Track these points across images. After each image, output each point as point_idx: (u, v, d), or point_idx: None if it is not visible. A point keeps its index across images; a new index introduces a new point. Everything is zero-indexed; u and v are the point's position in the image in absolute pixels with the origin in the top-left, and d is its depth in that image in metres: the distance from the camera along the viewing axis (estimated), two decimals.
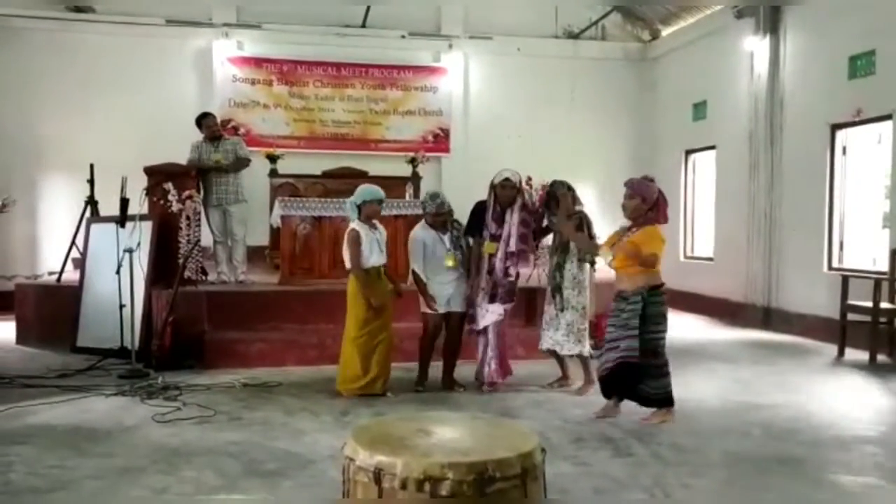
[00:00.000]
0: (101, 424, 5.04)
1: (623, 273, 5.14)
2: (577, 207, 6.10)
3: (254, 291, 7.82)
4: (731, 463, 4.39)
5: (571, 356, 6.11)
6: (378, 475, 2.07)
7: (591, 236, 5.94)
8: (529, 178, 8.42)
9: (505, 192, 5.99)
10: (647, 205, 5.16)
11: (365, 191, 5.85)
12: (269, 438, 4.75)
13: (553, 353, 6.20)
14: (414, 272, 6.02)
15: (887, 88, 7.94)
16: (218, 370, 6.66)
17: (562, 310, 6.01)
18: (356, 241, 5.67)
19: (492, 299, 6.05)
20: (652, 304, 5.05)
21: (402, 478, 2.06)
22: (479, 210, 6.16)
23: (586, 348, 6.07)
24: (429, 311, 6.02)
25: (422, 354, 6.17)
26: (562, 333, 6.03)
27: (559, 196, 6.07)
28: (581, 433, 4.91)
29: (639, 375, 5.11)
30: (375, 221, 5.89)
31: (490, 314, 6.05)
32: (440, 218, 6.00)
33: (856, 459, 4.45)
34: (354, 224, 5.76)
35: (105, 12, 11.37)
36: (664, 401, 5.19)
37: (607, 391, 5.32)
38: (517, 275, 6.18)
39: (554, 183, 6.21)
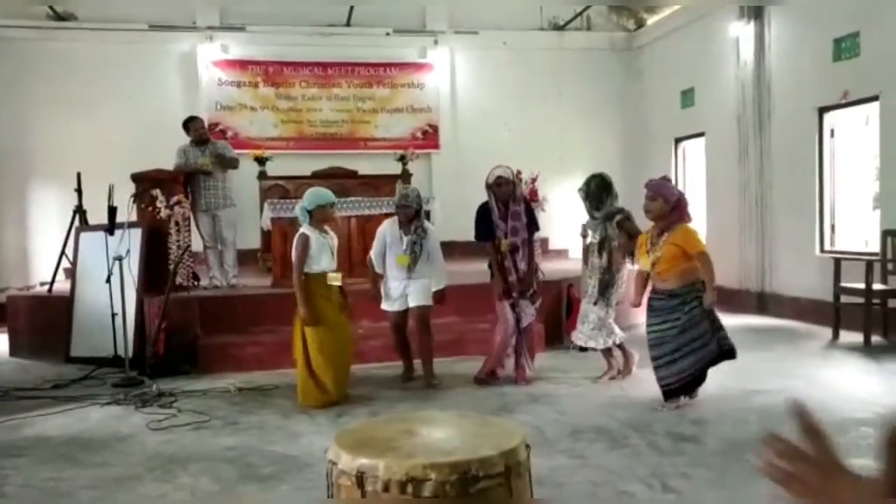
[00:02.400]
0: (97, 434, 5.02)
1: (669, 273, 5.16)
2: (616, 204, 6.11)
3: (246, 295, 7.80)
4: (728, 450, 4.39)
5: (603, 349, 6.13)
6: (360, 478, 2.05)
7: (634, 233, 5.94)
8: (519, 172, 8.42)
9: (501, 189, 6.00)
10: (669, 205, 5.21)
11: (316, 195, 5.65)
12: (266, 442, 4.74)
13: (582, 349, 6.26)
14: (369, 259, 6.13)
15: (873, 70, 7.95)
16: (213, 375, 6.65)
17: (595, 303, 6.00)
18: (304, 245, 5.51)
19: (521, 295, 6.06)
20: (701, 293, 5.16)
21: (384, 480, 2.04)
22: (483, 213, 6.12)
23: (618, 335, 6.08)
24: (385, 309, 6.11)
25: (397, 351, 6.28)
26: (592, 328, 6.01)
27: (624, 226, 6.01)
28: (577, 426, 4.91)
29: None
30: (327, 227, 5.76)
31: (527, 315, 6.10)
32: (403, 211, 5.97)
33: (852, 442, 4.45)
34: (304, 229, 5.59)
35: (87, 19, 11.31)
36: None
37: (677, 394, 5.28)
38: (534, 268, 6.22)
39: (599, 182, 6.10)
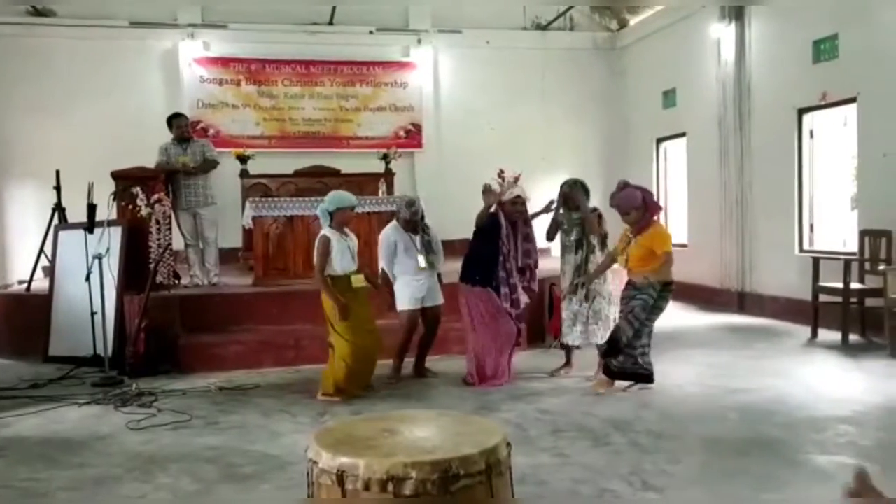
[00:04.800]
0: (75, 434, 4.97)
1: (637, 271, 5.56)
2: (592, 206, 6.35)
3: (228, 294, 7.76)
4: (708, 447, 4.42)
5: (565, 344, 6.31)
6: (341, 477, 2.04)
7: (604, 233, 6.31)
8: (501, 171, 8.42)
9: (515, 209, 6.10)
10: (641, 210, 5.57)
11: (338, 197, 5.79)
12: (247, 442, 4.71)
13: (562, 345, 6.40)
14: (383, 271, 6.24)
15: (851, 71, 8.03)
16: (194, 375, 6.60)
17: (586, 299, 6.16)
18: (325, 247, 5.62)
19: (518, 320, 6.22)
20: (661, 298, 5.55)
21: (364, 479, 2.03)
22: (494, 223, 6.14)
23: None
24: (406, 308, 6.17)
25: (399, 349, 6.28)
26: (591, 323, 6.18)
27: (574, 198, 6.25)
28: (559, 424, 4.93)
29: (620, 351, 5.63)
30: (347, 229, 5.86)
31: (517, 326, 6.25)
32: (413, 223, 6.21)
33: (830, 439, 4.51)
34: (326, 231, 5.69)
35: (67, 15, 11.19)
36: (648, 377, 5.70)
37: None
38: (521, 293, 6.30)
39: (569, 184, 6.32)
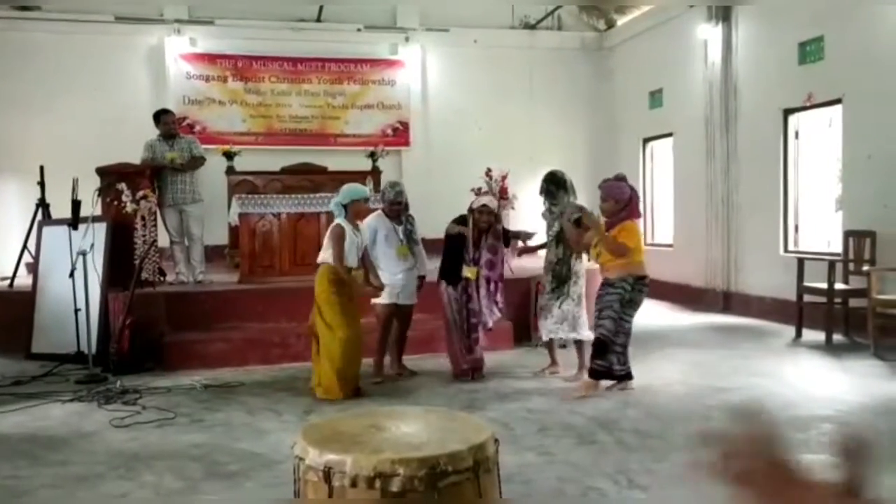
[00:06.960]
0: (58, 431, 4.93)
1: (608, 265, 5.58)
2: (573, 200, 6.24)
3: (213, 291, 7.71)
4: (692, 446, 4.44)
5: (576, 342, 6.21)
6: (328, 474, 2.03)
7: (592, 225, 6.10)
8: (489, 170, 8.44)
9: (483, 218, 6.10)
10: (620, 205, 5.58)
11: (351, 190, 5.78)
12: (232, 439, 4.69)
13: (546, 343, 6.36)
14: (365, 256, 6.08)
15: (836, 73, 8.09)
16: (178, 372, 6.56)
17: (562, 300, 6.11)
18: (340, 238, 5.57)
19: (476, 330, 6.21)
20: (636, 291, 5.53)
21: (351, 475, 2.02)
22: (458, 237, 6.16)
23: (585, 332, 6.16)
24: (379, 302, 6.10)
25: (378, 346, 6.23)
26: (555, 321, 6.12)
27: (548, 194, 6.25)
28: (545, 422, 4.94)
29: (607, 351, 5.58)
30: (358, 222, 5.84)
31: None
32: (396, 207, 6.13)
33: (813, 438, 4.53)
34: (340, 220, 5.65)
35: (52, 10, 11.08)
36: (626, 376, 5.67)
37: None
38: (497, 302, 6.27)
39: (548, 177, 6.30)
